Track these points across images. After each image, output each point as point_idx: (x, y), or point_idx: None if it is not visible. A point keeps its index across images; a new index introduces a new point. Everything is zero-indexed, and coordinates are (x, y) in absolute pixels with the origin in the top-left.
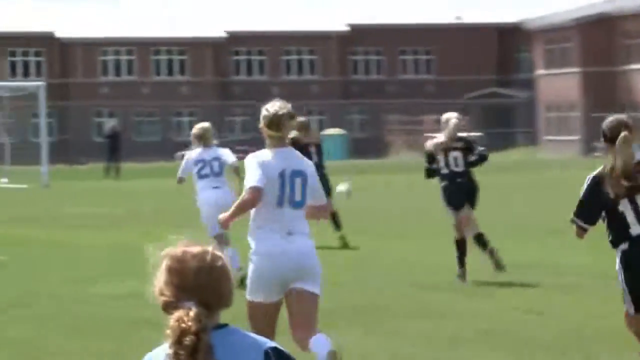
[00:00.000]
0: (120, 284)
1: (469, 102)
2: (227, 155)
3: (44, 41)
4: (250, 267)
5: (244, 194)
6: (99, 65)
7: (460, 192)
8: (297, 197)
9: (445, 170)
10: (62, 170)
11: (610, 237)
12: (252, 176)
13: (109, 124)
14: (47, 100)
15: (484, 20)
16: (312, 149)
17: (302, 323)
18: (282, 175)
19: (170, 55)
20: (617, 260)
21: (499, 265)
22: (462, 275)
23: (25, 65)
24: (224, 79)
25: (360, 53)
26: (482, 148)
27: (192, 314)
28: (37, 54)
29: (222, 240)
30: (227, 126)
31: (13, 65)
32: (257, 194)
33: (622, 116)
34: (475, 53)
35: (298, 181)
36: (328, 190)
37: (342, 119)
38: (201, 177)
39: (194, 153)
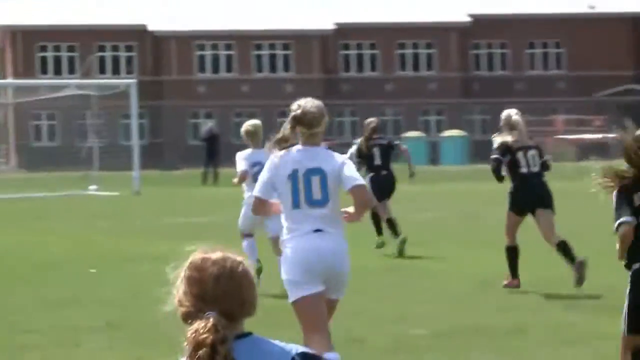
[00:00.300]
0: None
1: (604, 99)
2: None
3: (136, 35)
4: (283, 267)
5: (251, 202)
6: (195, 61)
7: (532, 194)
8: (316, 196)
9: (524, 170)
10: (154, 176)
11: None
12: (258, 183)
13: (206, 125)
14: (138, 100)
15: (619, 10)
16: (375, 150)
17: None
18: (294, 176)
19: (273, 50)
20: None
21: (579, 281)
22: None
23: (115, 61)
24: (332, 75)
25: (483, 47)
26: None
27: (208, 324)
28: (128, 49)
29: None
30: (336, 127)
31: (102, 62)
32: (257, 203)
33: None
34: (610, 46)
35: (315, 179)
36: (388, 194)
37: (462, 120)
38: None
39: (246, 153)
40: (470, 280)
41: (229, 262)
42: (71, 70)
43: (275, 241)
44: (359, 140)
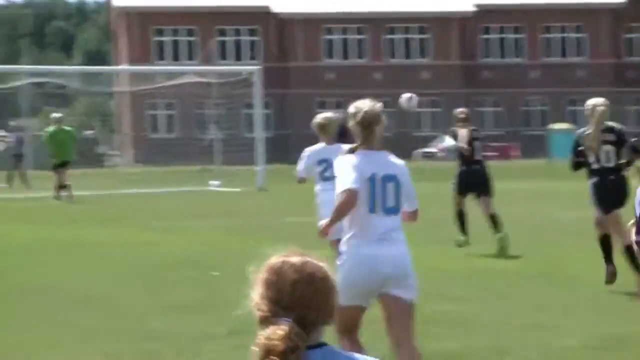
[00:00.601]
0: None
1: None
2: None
3: (259, 18)
4: (339, 274)
5: (340, 197)
6: (322, 46)
7: (611, 192)
8: (390, 203)
9: (595, 166)
10: (280, 170)
11: None
12: (347, 177)
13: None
14: (263, 88)
15: None
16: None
17: (397, 329)
18: (372, 179)
19: (408, 34)
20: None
21: None
22: (612, 274)
23: (237, 46)
24: (472, 62)
25: (638, 30)
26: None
27: (281, 332)
28: (251, 33)
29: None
30: (477, 119)
31: (223, 47)
32: (353, 195)
33: None
34: None
35: (390, 186)
36: (483, 189)
37: (615, 111)
38: (325, 179)
39: (314, 149)
40: (610, 287)
41: (309, 267)
42: (190, 56)
43: (334, 244)
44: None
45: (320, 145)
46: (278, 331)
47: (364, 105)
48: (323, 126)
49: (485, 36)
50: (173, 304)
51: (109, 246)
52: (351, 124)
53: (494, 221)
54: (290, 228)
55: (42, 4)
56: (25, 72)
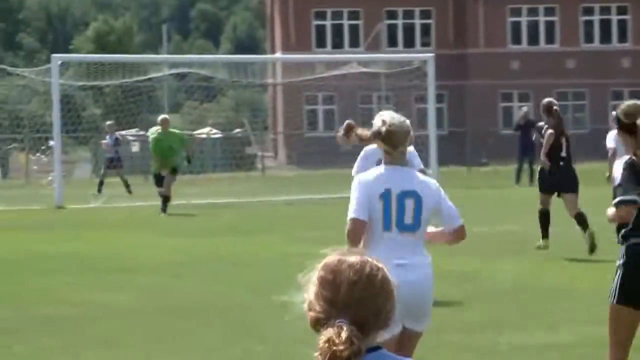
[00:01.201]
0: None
1: None
2: (413, 155)
3: None
4: None
5: (348, 226)
6: (507, 30)
7: None
8: (408, 220)
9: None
10: (455, 173)
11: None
12: (352, 204)
13: (521, 110)
14: (436, 79)
15: None
16: (562, 141)
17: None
18: (385, 195)
19: (607, 14)
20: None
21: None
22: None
23: (409, 30)
24: None
25: None
26: None
27: (344, 335)
28: (424, 15)
29: None
30: None
31: (392, 31)
32: (357, 226)
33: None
34: None
35: (409, 202)
36: (570, 187)
37: None
38: None
39: (370, 148)
40: None
41: (368, 267)
42: (354, 43)
43: None
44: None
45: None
46: (340, 333)
47: (389, 118)
48: None
49: None
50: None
51: (255, 257)
52: (377, 137)
53: (580, 220)
54: (470, 239)
55: None
56: (165, 63)
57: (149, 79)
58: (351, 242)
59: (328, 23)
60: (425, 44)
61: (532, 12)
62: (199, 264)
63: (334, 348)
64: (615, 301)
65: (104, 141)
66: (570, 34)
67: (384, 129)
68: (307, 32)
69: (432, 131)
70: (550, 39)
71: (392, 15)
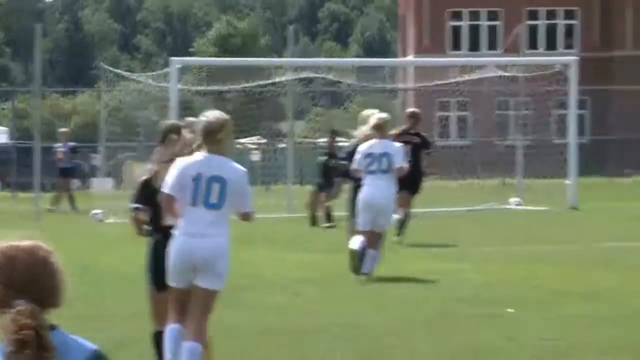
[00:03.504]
0: None
1: None
2: (396, 151)
3: None
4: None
5: (160, 197)
6: None
7: None
8: (213, 200)
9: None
10: (597, 184)
11: None
12: (167, 182)
13: None
14: (579, 83)
15: None
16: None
17: (191, 314)
18: (197, 178)
19: None
20: None
21: None
22: None
23: (551, 31)
24: None
25: None
26: None
27: (26, 310)
28: (567, 16)
29: (372, 237)
30: None
31: (533, 32)
32: (166, 200)
33: None
34: None
35: (216, 186)
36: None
37: None
38: (369, 172)
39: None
40: None
41: (40, 251)
42: (491, 45)
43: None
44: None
45: (370, 142)
46: (24, 310)
47: (209, 115)
48: (376, 126)
49: None
50: (462, 348)
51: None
52: (198, 132)
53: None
54: (608, 254)
55: None
56: (290, 66)
57: (273, 83)
58: (165, 211)
59: (464, 24)
60: (568, 46)
61: None
62: (325, 282)
63: (20, 321)
64: None
65: (59, 149)
66: None
67: (200, 125)
68: (442, 34)
69: (572, 139)
70: None
71: (533, 15)
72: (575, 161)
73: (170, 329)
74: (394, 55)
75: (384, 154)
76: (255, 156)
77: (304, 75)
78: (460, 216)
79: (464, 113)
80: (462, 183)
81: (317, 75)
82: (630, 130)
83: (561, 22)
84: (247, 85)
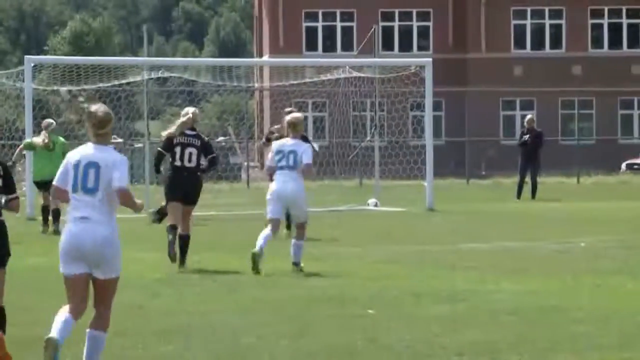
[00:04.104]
0: None
1: None
2: (304, 149)
3: None
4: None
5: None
6: (510, 33)
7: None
8: (90, 185)
9: (177, 163)
10: (454, 186)
11: None
12: (57, 174)
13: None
14: (434, 85)
15: None
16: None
17: (96, 302)
18: (76, 166)
19: (616, 18)
20: None
21: None
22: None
23: (406, 33)
24: None
25: None
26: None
27: None
28: (421, 17)
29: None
30: None
31: (387, 34)
32: (55, 190)
33: None
34: None
35: (92, 171)
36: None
37: None
38: (279, 168)
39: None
40: None
41: None
42: (346, 46)
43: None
44: None
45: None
46: None
47: (94, 107)
48: (290, 124)
49: None
50: (321, 348)
51: (240, 276)
52: (87, 122)
53: None
54: (466, 256)
55: None
56: (145, 65)
57: (128, 83)
58: (54, 197)
59: (319, 25)
60: (422, 47)
61: (538, 14)
62: (179, 281)
63: None
64: None
65: None
66: (577, 39)
67: (89, 115)
68: (297, 34)
69: (428, 141)
70: (556, 44)
71: (388, 17)
72: (431, 162)
73: (64, 319)
74: (250, 55)
75: (292, 152)
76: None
77: (159, 74)
78: (319, 217)
79: (320, 114)
80: (321, 184)
81: (172, 75)
82: (485, 132)
83: (415, 24)
84: (102, 84)
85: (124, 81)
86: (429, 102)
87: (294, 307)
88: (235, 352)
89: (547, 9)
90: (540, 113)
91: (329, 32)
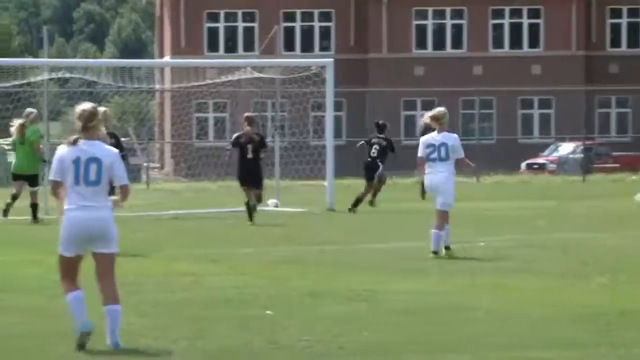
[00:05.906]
0: None
1: None
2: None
3: None
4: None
5: (49, 184)
6: (412, 34)
7: None
8: (92, 178)
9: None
10: (355, 186)
11: None
12: (51, 170)
13: (422, 118)
14: (336, 85)
15: None
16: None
17: (102, 277)
18: (76, 162)
19: (516, 18)
20: None
21: None
22: None
23: (307, 34)
24: (596, 52)
25: None
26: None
27: None
28: (323, 18)
29: None
30: (604, 122)
31: (289, 34)
32: (53, 185)
33: None
34: None
35: (94, 166)
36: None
37: None
38: (431, 160)
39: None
40: None
41: None
42: (248, 47)
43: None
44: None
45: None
46: None
47: (85, 106)
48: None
49: (614, 20)
50: (219, 350)
51: (140, 278)
52: (76, 121)
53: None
54: (364, 256)
55: None
56: (46, 66)
57: (28, 83)
58: (55, 195)
59: (221, 25)
60: (324, 48)
61: (439, 14)
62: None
63: None
64: None
65: None
66: (478, 39)
67: (79, 113)
68: (199, 35)
69: (329, 141)
70: (457, 44)
71: (289, 17)
72: (332, 163)
73: (74, 296)
74: (151, 56)
75: (443, 144)
76: (11, 157)
77: (60, 75)
78: (218, 218)
79: (222, 114)
80: (221, 184)
81: (73, 76)
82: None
83: (317, 24)
84: (1, 85)
85: (24, 81)
86: (330, 102)
87: (192, 309)
88: (132, 354)
89: (448, 9)
90: None
91: (231, 33)
